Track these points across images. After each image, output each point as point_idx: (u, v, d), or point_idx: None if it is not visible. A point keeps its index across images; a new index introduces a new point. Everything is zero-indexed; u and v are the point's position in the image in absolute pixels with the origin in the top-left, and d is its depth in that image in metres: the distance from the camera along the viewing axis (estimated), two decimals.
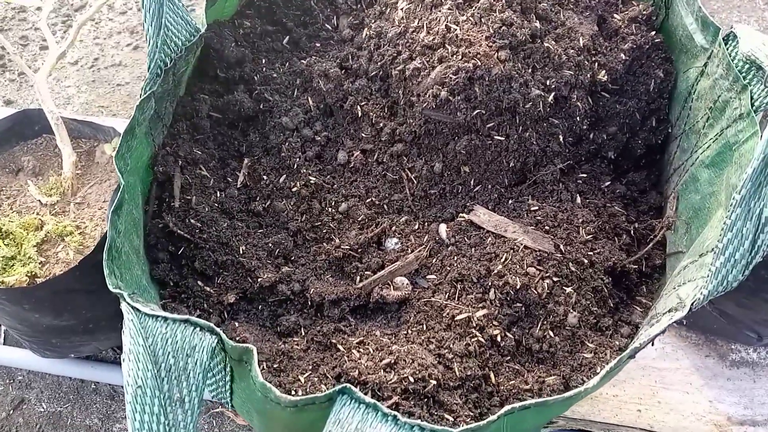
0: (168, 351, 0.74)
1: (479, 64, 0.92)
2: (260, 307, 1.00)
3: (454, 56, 0.94)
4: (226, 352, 0.77)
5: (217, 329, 0.74)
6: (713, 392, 1.49)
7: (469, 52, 0.93)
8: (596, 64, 1.02)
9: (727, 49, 0.89)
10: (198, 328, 0.74)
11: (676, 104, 1.08)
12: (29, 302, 1.30)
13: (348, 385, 0.71)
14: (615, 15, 1.07)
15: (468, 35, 0.94)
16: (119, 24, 2.24)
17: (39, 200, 1.40)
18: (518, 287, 0.92)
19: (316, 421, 0.77)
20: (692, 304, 0.74)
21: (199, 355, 0.74)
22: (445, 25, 0.95)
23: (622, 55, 1.03)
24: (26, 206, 1.41)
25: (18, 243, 1.33)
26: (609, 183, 1.09)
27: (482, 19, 0.95)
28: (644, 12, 1.06)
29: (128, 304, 0.75)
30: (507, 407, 0.70)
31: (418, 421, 0.68)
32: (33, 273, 1.27)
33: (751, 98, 0.85)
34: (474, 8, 0.96)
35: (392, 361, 0.88)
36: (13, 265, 1.31)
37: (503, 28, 0.94)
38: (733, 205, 0.70)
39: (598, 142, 1.08)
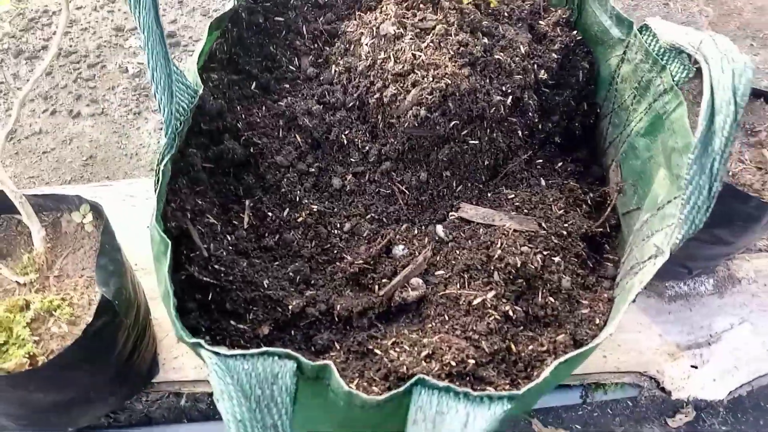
0: (254, 383, 0.82)
1: (450, 82, 1.06)
2: (293, 332, 1.08)
3: (425, 79, 1.07)
4: (301, 374, 0.86)
5: (295, 354, 0.83)
6: (660, 327, 1.70)
7: (438, 74, 1.07)
8: (536, 65, 1.20)
9: (643, 38, 1.09)
10: (276, 357, 0.83)
11: (601, 88, 1.28)
12: (36, 383, 1.30)
13: (421, 375, 0.83)
14: (540, 21, 1.25)
15: (433, 59, 1.08)
16: (31, 92, 2.19)
17: (16, 281, 1.39)
18: (518, 265, 1.07)
19: (388, 416, 0.88)
20: (671, 248, 0.92)
21: (283, 381, 0.83)
22: (411, 53, 1.09)
23: (554, 54, 1.22)
24: (2, 289, 1.40)
25: (5, 327, 1.32)
26: (561, 163, 1.27)
27: (441, 44, 1.09)
28: (563, 16, 1.25)
29: (208, 350, 0.82)
30: (556, 362, 0.84)
31: (487, 391, 0.81)
32: (32, 353, 1.27)
33: (671, 75, 1.05)
34: (431, 35, 1.10)
35: (430, 352, 1.00)
36: (7, 350, 1.30)
37: (461, 48, 1.09)
38: (689, 164, 0.88)
39: (546, 130, 1.26)
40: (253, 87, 1.25)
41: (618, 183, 1.22)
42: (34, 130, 2.10)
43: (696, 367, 1.63)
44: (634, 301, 0.94)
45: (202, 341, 0.83)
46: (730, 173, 1.63)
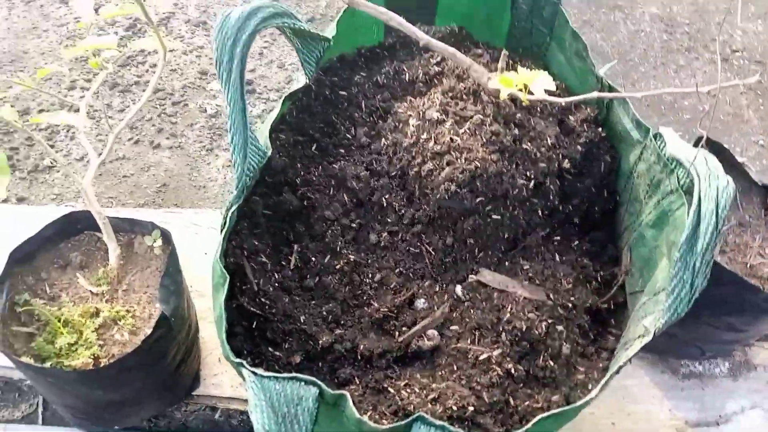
0: (282, 402, 0.98)
1: (479, 165, 1.24)
2: (320, 364, 1.24)
3: (458, 160, 1.25)
4: (322, 399, 1.02)
5: (318, 381, 0.99)
6: (671, 401, 1.75)
7: (470, 157, 1.25)
8: (560, 155, 1.36)
9: (657, 144, 1.24)
10: (303, 382, 0.99)
11: (621, 179, 1.42)
12: (98, 381, 1.47)
13: (422, 413, 0.97)
14: (570, 117, 1.41)
15: (467, 144, 1.26)
16: (118, 121, 2.46)
17: (90, 290, 1.59)
18: (524, 329, 1.22)
19: None
20: (655, 330, 1.05)
21: (306, 403, 0.99)
22: (449, 137, 1.27)
23: (579, 147, 1.38)
24: (78, 296, 1.58)
25: (77, 330, 1.51)
26: (577, 242, 1.42)
27: (476, 131, 1.27)
28: (592, 114, 1.42)
29: (248, 369, 0.99)
30: (540, 416, 0.98)
31: None
32: (96, 355, 1.45)
33: (678, 179, 1.19)
34: (469, 123, 1.28)
35: (437, 396, 1.15)
36: (76, 349, 1.48)
37: (493, 137, 1.26)
38: (676, 259, 1.02)
39: (566, 212, 1.41)
40: (313, 148, 1.45)
41: (626, 265, 1.35)
42: (118, 155, 2.37)
43: None
44: (617, 372, 1.07)
45: (244, 362, 1.00)
46: (749, 265, 1.73)
